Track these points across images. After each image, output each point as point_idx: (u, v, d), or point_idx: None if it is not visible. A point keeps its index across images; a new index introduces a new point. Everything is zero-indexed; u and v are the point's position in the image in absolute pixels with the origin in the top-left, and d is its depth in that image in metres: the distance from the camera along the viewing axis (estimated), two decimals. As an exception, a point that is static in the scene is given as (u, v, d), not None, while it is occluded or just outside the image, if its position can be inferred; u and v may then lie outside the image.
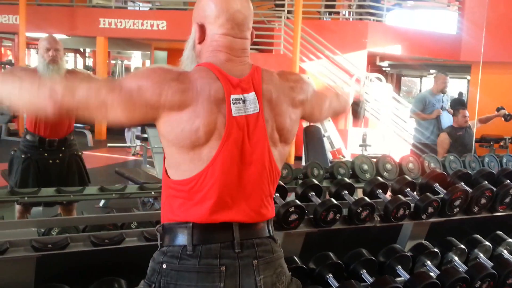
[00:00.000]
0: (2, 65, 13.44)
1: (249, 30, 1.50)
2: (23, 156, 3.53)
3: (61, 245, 2.02)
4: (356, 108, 2.42)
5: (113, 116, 1.36)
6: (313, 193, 2.66)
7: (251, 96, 1.42)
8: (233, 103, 1.39)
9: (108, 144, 7.30)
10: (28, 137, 3.53)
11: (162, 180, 1.49)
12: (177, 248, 1.40)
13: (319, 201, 2.56)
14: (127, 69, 16.92)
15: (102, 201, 5.33)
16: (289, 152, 1.81)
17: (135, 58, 17.56)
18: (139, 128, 7.32)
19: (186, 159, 1.37)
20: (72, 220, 2.52)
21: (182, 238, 1.39)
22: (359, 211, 2.53)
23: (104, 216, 2.69)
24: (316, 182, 2.73)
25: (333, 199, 2.53)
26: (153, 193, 2.91)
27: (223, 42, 1.44)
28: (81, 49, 15.69)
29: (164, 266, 1.39)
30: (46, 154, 3.50)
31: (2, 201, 2.54)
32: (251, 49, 1.55)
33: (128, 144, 7.84)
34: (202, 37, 1.47)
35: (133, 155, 8.37)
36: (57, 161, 3.53)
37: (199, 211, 1.39)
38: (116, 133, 10.50)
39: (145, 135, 7.05)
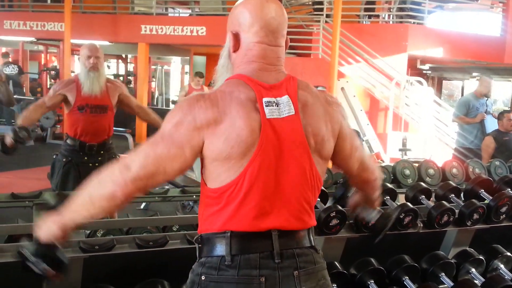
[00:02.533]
0: (48, 71, 13.90)
1: (283, 38, 1.48)
2: (64, 159, 3.64)
3: (107, 246, 2.08)
4: (384, 222, 2.07)
5: (172, 166, 1.35)
6: (354, 198, 2.64)
7: (284, 99, 1.40)
8: (266, 106, 1.37)
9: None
10: (68, 141, 3.64)
11: (200, 190, 1.47)
12: (215, 259, 1.37)
13: (360, 206, 2.54)
14: (167, 73, 17.22)
15: (143, 204, 5.43)
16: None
17: (175, 63, 17.85)
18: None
19: (225, 168, 1.35)
20: (118, 223, 2.58)
21: (220, 249, 1.37)
22: (401, 216, 2.50)
23: (148, 219, 2.74)
24: (357, 187, 2.71)
25: (374, 205, 2.51)
26: (194, 196, 2.95)
27: (257, 51, 1.44)
28: (123, 55, 16.05)
29: (203, 277, 1.37)
30: (86, 158, 3.59)
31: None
32: (289, 53, 1.55)
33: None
34: (236, 46, 1.46)
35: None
36: (96, 164, 3.59)
37: (237, 218, 1.36)
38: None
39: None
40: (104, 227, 2.39)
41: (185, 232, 2.26)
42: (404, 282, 2.52)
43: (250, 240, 1.36)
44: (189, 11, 12.91)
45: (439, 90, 13.50)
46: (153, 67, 16.26)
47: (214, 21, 10.75)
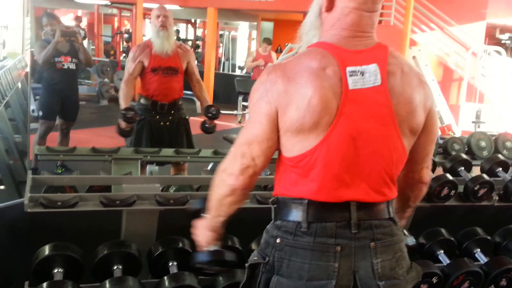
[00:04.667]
0: (121, 34, 14.31)
1: (381, 2, 1.38)
2: (137, 118, 3.78)
3: (181, 201, 2.17)
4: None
5: (265, 143, 1.35)
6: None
7: (371, 67, 1.32)
8: (350, 75, 1.30)
9: (215, 111, 7.55)
10: (142, 100, 3.78)
11: (277, 155, 1.44)
12: (291, 223, 1.36)
13: (432, 175, 2.49)
14: (233, 39, 17.25)
15: (211, 164, 5.56)
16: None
17: (242, 29, 17.83)
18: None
19: (299, 139, 1.32)
20: (189, 180, 2.67)
21: (296, 214, 1.35)
22: (476, 188, 2.43)
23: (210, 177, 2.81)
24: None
25: (448, 175, 2.45)
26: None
27: (353, 18, 1.34)
28: (192, 20, 16.20)
29: (278, 240, 1.37)
30: (157, 117, 3.73)
31: (128, 158, 2.75)
32: None
33: (235, 112, 8.05)
34: (330, 6, 1.37)
35: (239, 122, 8.60)
36: (167, 123, 3.75)
37: (314, 188, 1.33)
38: (221, 100, 10.83)
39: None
40: (177, 183, 2.48)
41: (255, 192, 2.29)
42: (475, 255, 2.46)
43: (328, 209, 1.34)
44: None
45: (518, 61, 12.73)
46: (220, 32, 16.31)
47: (284, -14, 10.61)
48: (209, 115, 3.74)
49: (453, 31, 8.83)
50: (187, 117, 3.95)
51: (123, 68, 11.84)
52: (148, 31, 13.40)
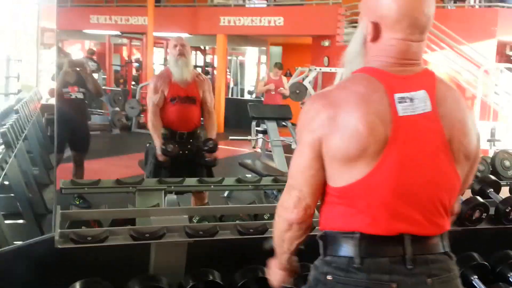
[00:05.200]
0: (132, 63, 14.49)
1: (428, 30, 1.35)
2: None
3: (211, 232, 2.15)
4: None
5: (310, 173, 1.33)
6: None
7: (420, 94, 1.29)
8: (399, 102, 1.27)
9: (230, 137, 7.56)
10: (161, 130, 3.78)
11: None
12: (343, 259, 1.30)
13: (463, 199, 2.45)
14: (241, 64, 17.38)
15: (226, 192, 5.54)
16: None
17: (249, 54, 17.94)
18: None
19: (349, 167, 1.27)
20: (214, 210, 2.65)
21: (347, 249, 1.30)
22: (507, 210, 2.39)
23: (246, 207, 2.80)
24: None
25: (478, 197, 2.41)
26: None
27: (399, 47, 1.32)
28: (202, 47, 16.38)
29: (329, 277, 1.31)
30: (176, 146, 3.72)
31: (152, 189, 2.74)
32: None
33: (249, 137, 8.06)
34: (376, 37, 1.34)
35: (253, 148, 8.60)
36: (186, 152, 3.75)
37: (366, 220, 1.28)
38: (232, 126, 10.88)
39: (264, 128, 7.21)
40: (205, 214, 2.46)
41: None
42: (510, 279, 2.41)
43: (381, 243, 1.28)
44: (265, 1, 12.93)
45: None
46: (228, 57, 16.45)
47: (292, 11, 10.73)
48: (206, 148, 3.74)
49: (464, 49, 8.86)
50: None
51: (133, 96, 11.97)
52: (157, 59, 13.59)
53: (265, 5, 12.85)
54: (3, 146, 3.78)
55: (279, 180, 2.99)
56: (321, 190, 1.36)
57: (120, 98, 11.81)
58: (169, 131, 3.74)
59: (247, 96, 15.89)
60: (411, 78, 1.32)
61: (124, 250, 2.21)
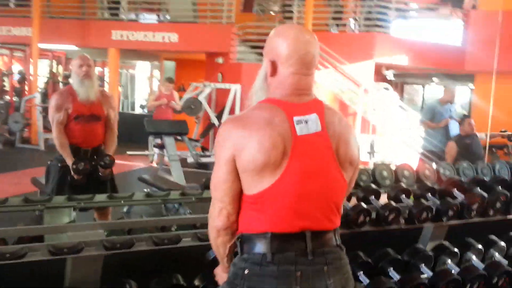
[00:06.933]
0: (13, 74, 13.70)
1: (315, 67, 1.70)
2: (59, 164, 3.79)
3: (128, 244, 2.27)
4: None
5: (232, 185, 1.61)
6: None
7: (312, 117, 1.63)
8: (297, 124, 1.60)
9: (128, 152, 7.53)
10: None
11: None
12: (257, 255, 1.59)
13: (350, 205, 2.80)
14: (132, 77, 17.12)
15: (126, 207, 5.55)
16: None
17: (140, 67, 17.65)
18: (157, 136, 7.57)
19: (259, 177, 1.57)
20: (126, 224, 2.76)
21: (260, 247, 1.59)
22: (386, 214, 2.78)
23: (153, 220, 2.93)
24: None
25: (363, 203, 2.78)
26: (193, 199, 3.14)
27: (292, 80, 1.64)
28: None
29: (247, 271, 1.60)
30: (87, 162, 3.74)
31: (62, 206, 2.78)
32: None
33: (146, 152, 8.08)
34: (274, 72, 1.68)
35: (151, 162, 8.59)
36: (90, 168, 3.76)
37: (274, 221, 1.58)
38: (125, 140, 10.74)
39: (159, 141, 7.25)
40: (121, 227, 2.57)
41: (197, 231, 2.46)
42: (389, 273, 2.79)
43: (287, 240, 1.58)
44: (160, 17, 12.91)
45: (400, 94, 14.03)
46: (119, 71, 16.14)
47: (186, 28, 10.90)
48: (102, 163, 3.80)
49: (346, 69, 9.65)
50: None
51: (17, 110, 11.32)
52: (42, 71, 13.03)
53: (155, 21, 12.78)
54: None
55: (187, 193, 3.17)
56: (239, 198, 1.63)
57: (2, 111, 11.16)
58: (73, 148, 3.75)
59: (140, 110, 15.71)
60: (305, 105, 1.66)
61: (38, 266, 2.25)
